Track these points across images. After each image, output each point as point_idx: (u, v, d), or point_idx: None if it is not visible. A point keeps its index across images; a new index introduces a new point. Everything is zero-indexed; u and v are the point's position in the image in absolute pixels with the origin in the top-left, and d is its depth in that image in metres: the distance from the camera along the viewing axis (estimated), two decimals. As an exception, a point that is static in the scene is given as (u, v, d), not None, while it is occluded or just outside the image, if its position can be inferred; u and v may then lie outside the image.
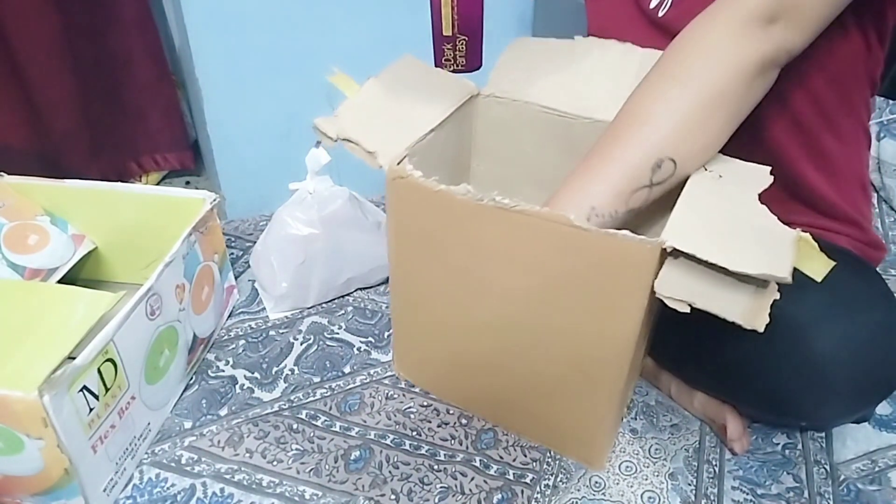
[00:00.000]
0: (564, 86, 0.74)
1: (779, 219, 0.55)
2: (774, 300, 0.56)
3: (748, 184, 0.57)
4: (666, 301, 0.52)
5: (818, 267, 0.50)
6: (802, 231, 0.51)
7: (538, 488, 0.71)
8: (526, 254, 0.59)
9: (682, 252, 0.50)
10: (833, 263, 0.51)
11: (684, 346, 0.74)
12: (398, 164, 0.62)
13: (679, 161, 0.56)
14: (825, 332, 0.60)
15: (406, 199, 0.65)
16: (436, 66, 0.77)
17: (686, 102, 0.56)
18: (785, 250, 0.50)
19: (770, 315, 0.60)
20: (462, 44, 0.78)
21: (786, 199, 0.61)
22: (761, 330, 0.50)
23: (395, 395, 0.83)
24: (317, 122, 0.66)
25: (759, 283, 0.50)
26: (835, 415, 0.69)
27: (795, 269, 0.50)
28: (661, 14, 0.71)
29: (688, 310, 0.51)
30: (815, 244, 0.50)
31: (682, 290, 0.51)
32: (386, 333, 0.93)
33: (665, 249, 0.51)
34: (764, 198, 0.58)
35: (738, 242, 0.50)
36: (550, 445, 0.76)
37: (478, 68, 0.81)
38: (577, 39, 0.75)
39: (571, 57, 0.74)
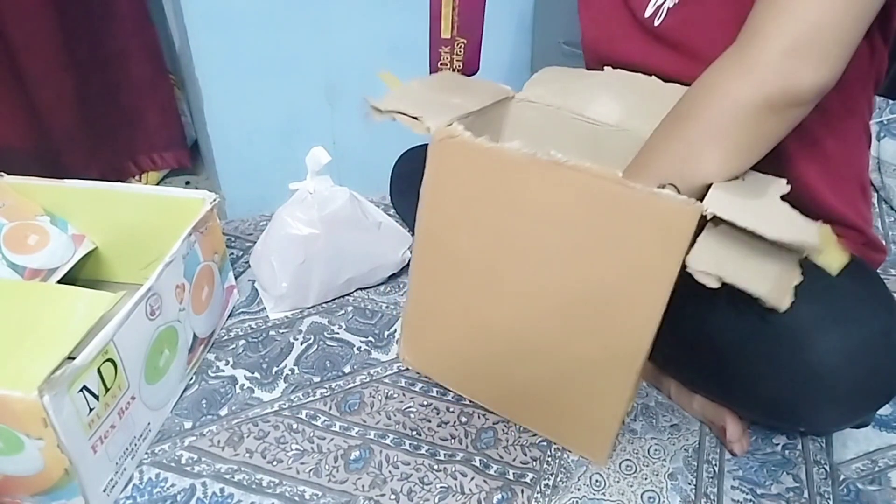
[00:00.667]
0: (595, 98, 0.76)
1: None
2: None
3: (769, 187, 0.58)
4: (696, 275, 0.54)
5: (834, 260, 0.52)
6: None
7: (538, 487, 0.71)
8: (571, 211, 0.61)
9: (721, 220, 0.52)
10: (848, 258, 0.51)
11: (684, 350, 0.73)
12: (447, 125, 0.64)
13: (681, 187, 0.58)
14: (824, 338, 0.59)
15: (451, 161, 0.66)
16: (431, 72, 0.77)
17: (686, 135, 0.58)
18: (811, 230, 0.52)
19: (770, 320, 0.60)
20: (461, 47, 0.78)
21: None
22: (784, 309, 0.52)
23: (395, 395, 0.83)
24: (367, 98, 0.69)
25: (785, 263, 0.53)
26: (834, 421, 0.69)
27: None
28: (656, 23, 0.71)
29: (717, 284, 0.53)
30: (834, 237, 0.52)
31: (712, 264, 0.53)
32: (386, 333, 0.93)
33: (704, 216, 0.53)
34: None
35: (770, 220, 0.53)
36: (555, 437, 0.76)
37: (474, 73, 0.81)
38: (606, 70, 0.77)
39: (601, 80, 0.77)
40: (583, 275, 0.63)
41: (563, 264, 0.64)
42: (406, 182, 0.95)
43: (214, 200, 0.84)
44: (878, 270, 0.73)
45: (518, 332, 0.70)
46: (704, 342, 0.68)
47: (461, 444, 0.76)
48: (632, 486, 0.72)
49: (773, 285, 0.52)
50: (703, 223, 0.55)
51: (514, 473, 0.73)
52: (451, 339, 0.78)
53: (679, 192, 0.58)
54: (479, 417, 0.80)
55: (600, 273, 0.62)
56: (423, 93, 0.73)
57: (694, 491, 0.72)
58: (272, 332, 0.93)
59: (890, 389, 0.63)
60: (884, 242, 0.77)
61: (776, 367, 0.62)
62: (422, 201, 0.71)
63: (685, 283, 0.68)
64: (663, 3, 0.70)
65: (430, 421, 0.79)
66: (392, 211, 1.13)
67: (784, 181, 0.60)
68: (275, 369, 0.86)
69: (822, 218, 0.71)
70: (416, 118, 0.66)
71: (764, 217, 0.53)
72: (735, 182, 0.58)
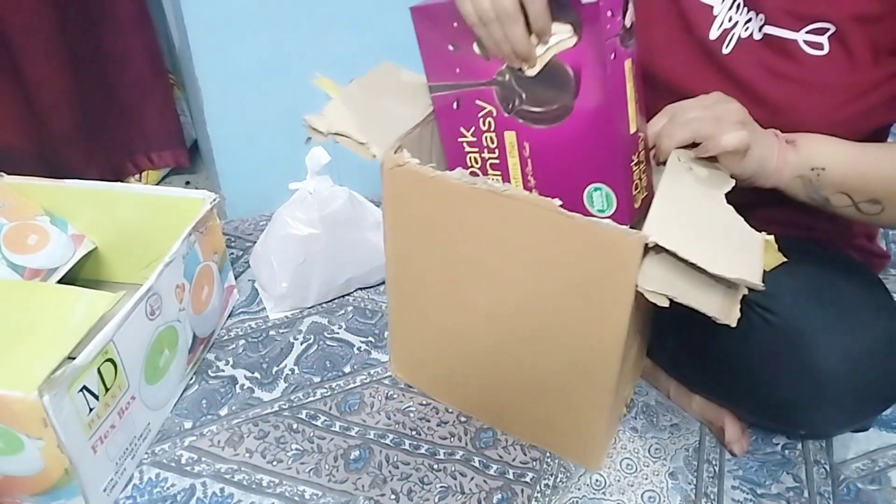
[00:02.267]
0: None
1: (786, 222, 0.56)
2: (778, 310, 0.59)
3: (715, 183, 0.57)
4: (647, 295, 0.53)
5: (770, 262, 0.52)
6: (769, 234, 0.53)
7: (538, 487, 0.71)
8: (517, 239, 0.60)
9: (664, 248, 0.51)
10: (784, 260, 0.52)
11: (685, 351, 0.73)
12: (395, 152, 0.63)
13: None
14: (827, 344, 0.59)
15: (403, 188, 0.65)
16: (618, 208, 0.60)
17: None
18: (755, 254, 0.52)
19: (774, 324, 0.60)
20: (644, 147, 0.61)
21: (798, 214, 0.61)
22: (734, 325, 0.51)
23: (395, 395, 0.83)
24: (307, 119, 0.66)
25: (728, 283, 0.52)
26: (834, 425, 0.70)
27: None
28: (725, 51, 0.64)
29: (667, 304, 0.53)
30: (776, 245, 0.52)
31: (662, 284, 0.53)
32: (386, 333, 0.93)
33: (647, 244, 0.52)
34: (774, 209, 0.58)
35: (714, 242, 0.52)
36: (547, 446, 0.76)
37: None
38: None
39: None
40: (541, 300, 0.63)
41: (519, 288, 0.63)
42: None
43: (214, 200, 0.84)
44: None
45: (493, 348, 0.70)
46: (707, 344, 0.68)
47: (461, 443, 0.76)
48: (632, 485, 0.72)
49: (721, 301, 0.52)
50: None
51: (513, 473, 0.73)
52: (433, 354, 0.78)
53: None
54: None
55: (557, 298, 0.61)
56: (364, 102, 0.69)
57: (694, 490, 0.72)
58: (272, 332, 0.93)
59: (891, 396, 0.63)
60: (888, 251, 0.77)
61: (779, 371, 0.62)
62: (384, 226, 0.70)
63: None
64: (732, 28, 0.63)
65: (429, 421, 0.79)
66: (392, 211, 1.13)
67: (729, 174, 0.58)
68: (275, 369, 0.86)
69: (832, 227, 0.71)
70: (361, 143, 0.64)
71: (708, 238, 0.52)
72: (682, 175, 0.56)
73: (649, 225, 0.53)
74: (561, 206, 0.55)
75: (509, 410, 0.76)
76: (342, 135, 0.65)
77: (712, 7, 0.64)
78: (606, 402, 0.66)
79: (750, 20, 0.63)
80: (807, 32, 0.59)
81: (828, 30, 0.58)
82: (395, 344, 0.83)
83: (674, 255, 0.51)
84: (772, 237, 0.52)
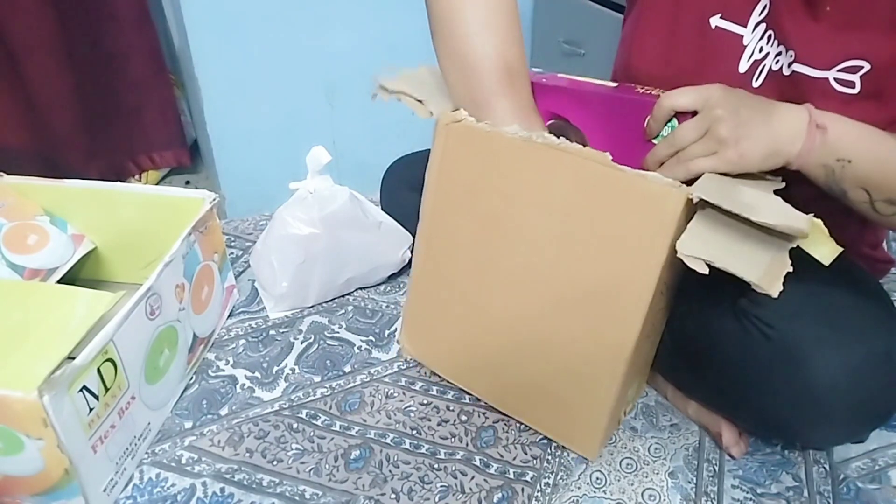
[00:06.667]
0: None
1: None
2: (777, 324, 0.60)
3: (763, 181, 0.58)
4: (686, 260, 0.53)
5: (826, 251, 0.52)
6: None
7: (538, 486, 0.71)
8: (564, 194, 0.62)
9: (708, 204, 0.52)
10: (840, 249, 0.51)
11: (684, 358, 0.73)
12: (454, 110, 0.65)
13: None
14: (825, 359, 0.59)
15: (455, 145, 0.67)
16: None
17: None
18: (800, 217, 0.52)
19: (771, 337, 0.60)
20: None
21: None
22: (775, 295, 0.50)
23: (395, 394, 0.83)
24: (376, 77, 0.69)
25: (775, 251, 0.52)
26: (830, 439, 0.70)
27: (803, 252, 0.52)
28: (755, 84, 0.63)
29: (706, 270, 0.53)
30: (825, 230, 0.52)
31: (701, 249, 0.53)
32: (386, 332, 0.93)
33: (691, 199, 0.53)
34: None
35: (759, 207, 0.53)
36: (547, 430, 0.76)
37: None
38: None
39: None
40: (575, 258, 0.63)
41: (556, 247, 0.64)
42: (396, 194, 0.96)
43: (214, 200, 0.84)
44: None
45: (513, 320, 0.71)
46: (706, 353, 0.68)
47: (461, 442, 0.76)
48: (632, 484, 0.72)
49: (763, 271, 0.52)
50: (696, 211, 0.55)
51: (514, 472, 0.73)
52: (449, 327, 0.78)
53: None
54: (478, 416, 0.80)
55: (592, 256, 0.62)
56: (431, 78, 0.73)
57: (694, 489, 0.72)
58: (272, 332, 0.93)
59: (888, 411, 0.63)
60: (893, 257, 0.77)
61: (775, 384, 0.62)
62: (426, 185, 0.71)
63: (689, 293, 0.67)
64: (763, 60, 0.62)
65: (430, 420, 0.79)
66: (392, 210, 1.13)
67: (780, 178, 0.59)
68: (275, 369, 0.86)
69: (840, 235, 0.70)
70: (420, 101, 0.67)
71: (752, 204, 0.53)
72: (725, 180, 0.57)
73: (696, 187, 0.54)
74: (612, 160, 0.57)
75: (516, 390, 0.75)
76: (404, 93, 0.69)
77: (742, 36, 0.62)
78: (617, 379, 0.65)
79: (780, 53, 0.61)
80: (838, 71, 0.58)
81: (861, 68, 0.57)
82: (409, 314, 0.82)
83: (718, 208, 0.52)
84: (819, 220, 0.52)
